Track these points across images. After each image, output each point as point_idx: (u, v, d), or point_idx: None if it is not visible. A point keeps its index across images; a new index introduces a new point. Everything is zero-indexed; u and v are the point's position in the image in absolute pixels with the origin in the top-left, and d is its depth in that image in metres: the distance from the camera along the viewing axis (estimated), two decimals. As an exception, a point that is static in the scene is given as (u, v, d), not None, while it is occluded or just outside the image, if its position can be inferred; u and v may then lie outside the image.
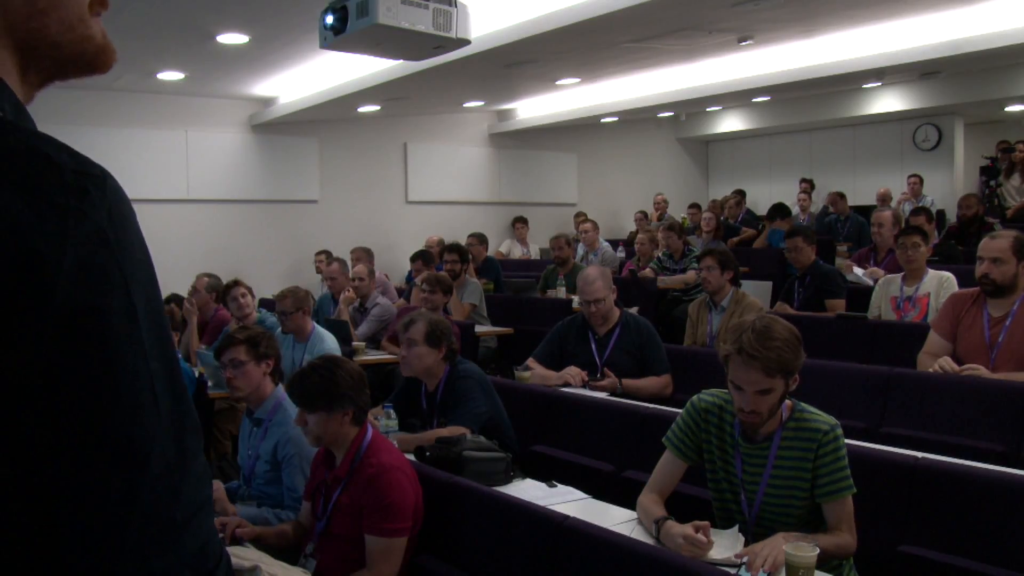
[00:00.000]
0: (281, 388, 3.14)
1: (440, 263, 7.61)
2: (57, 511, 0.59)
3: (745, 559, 2.12)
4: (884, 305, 4.94)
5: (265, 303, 6.38)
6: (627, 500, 2.67)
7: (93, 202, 0.62)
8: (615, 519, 2.53)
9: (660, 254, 7.54)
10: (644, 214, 10.72)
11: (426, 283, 5.55)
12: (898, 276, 4.97)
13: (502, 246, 10.83)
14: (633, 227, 10.68)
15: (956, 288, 4.70)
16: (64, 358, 0.59)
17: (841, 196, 9.54)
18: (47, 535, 0.59)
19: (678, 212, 10.94)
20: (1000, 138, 10.24)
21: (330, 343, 4.87)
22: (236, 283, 5.39)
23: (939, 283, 4.77)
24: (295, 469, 2.98)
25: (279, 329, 5.02)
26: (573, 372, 4.11)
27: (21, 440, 0.58)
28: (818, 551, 2.02)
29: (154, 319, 0.65)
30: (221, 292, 5.74)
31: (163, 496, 0.63)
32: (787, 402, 2.36)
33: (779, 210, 8.96)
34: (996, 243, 3.66)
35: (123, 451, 0.61)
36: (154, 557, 0.62)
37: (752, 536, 2.35)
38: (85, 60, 0.75)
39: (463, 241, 8.46)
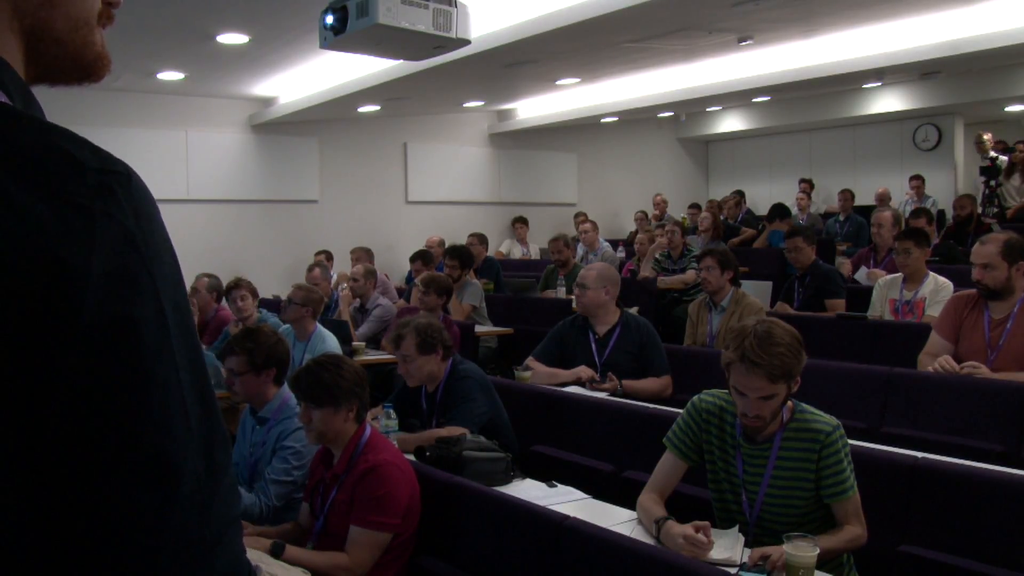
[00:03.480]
0: (286, 388, 3.15)
1: (441, 264, 7.61)
2: (87, 535, 0.56)
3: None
4: (884, 307, 4.93)
5: (264, 303, 6.38)
6: (627, 500, 2.67)
7: (119, 203, 0.58)
8: (615, 519, 2.52)
9: (658, 254, 7.53)
10: (644, 214, 10.71)
11: (422, 283, 5.56)
12: (899, 277, 4.96)
13: (502, 246, 10.83)
14: (633, 227, 10.67)
15: (951, 292, 4.69)
16: (94, 373, 0.55)
17: (851, 196, 9.56)
18: (76, 561, 0.56)
19: (678, 212, 10.94)
20: (999, 138, 10.24)
21: (331, 343, 4.88)
22: (237, 284, 5.39)
23: (935, 288, 4.74)
24: (282, 459, 3.03)
25: (281, 327, 5.05)
26: (587, 371, 4.13)
27: (48, 460, 0.55)
28: (818, 551, 2.02)
29: (182, 326, 0.61)
30: (222, 291, 5.74)
31: (194, 515, 0.59)
32: (788, 403, 2.37)
33: (779, 211, 8.96)
34: (985, 248, 3.64)
35: (155, 469, 0.58)
36: None
37: (752, 536, 2.36)
38: (82, 64, 0.72)
39: (463, 241, 8.46)
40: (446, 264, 6.74)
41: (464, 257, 6.74)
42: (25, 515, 0.55)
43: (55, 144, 0.58)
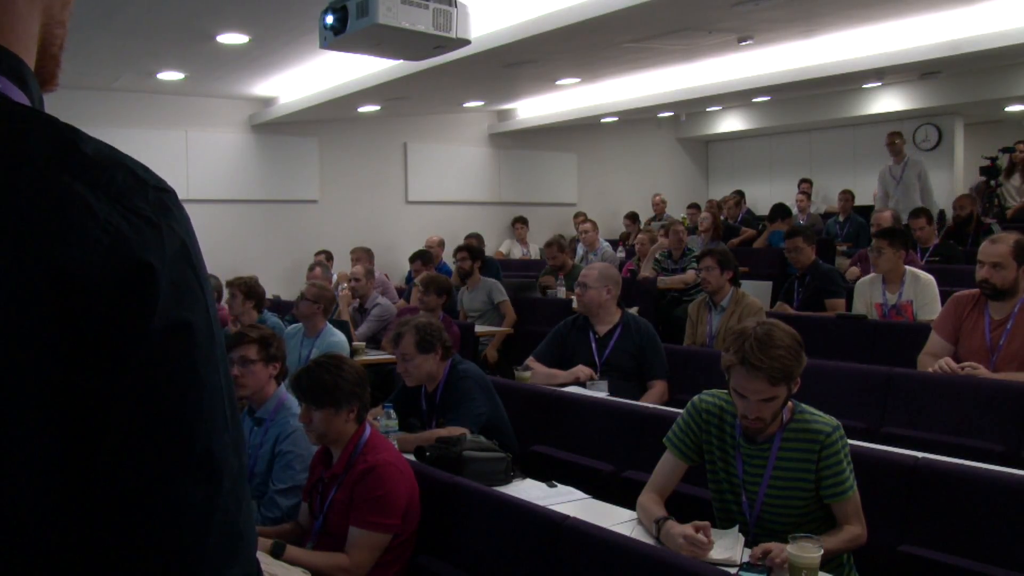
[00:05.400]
0: (283, 388, 3.15)
1: (443, 264, 7.63)
2: (143, 525, 0.60)
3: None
4: (871, 310, 4.90)
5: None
6: (627, 500, 2.67)
7: (176, 218, 0.63)
8: (615, 519, 2.52)
9: (658, 254, 7.53)
10: (634, 217, 10.58)
11: (421, 284, 5.57)
12: (878, 278, 4.93)
13: (502, 246, 10.83)
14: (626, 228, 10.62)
15: (935, 289, 4.68)
16: (159, 372, 0.60)
17: (851, 196, 9.54)
18: (131, 550, 0.60)
19: (678, 212, 10.92)
20: (1000, 138, 10.24)
21: (339, 340, 4.94)
22: (228, 284, 5.40)
23: (918, 288, 4.72)
24: (286, 465, 3.00)
25: (287, 328, 5.11)
26: (584, 370, 4.12)
27: (111, 453, 0.59)
28: (822, 552, 2.02)
29: (219, 335, 0.66)
30: (222, 292, 5.75)
31: (232, 508, 0.65)
32: (788, 403, 2.37)
33: (780, 211, 8.95)
34: (996, 248, 3.62)
35: (204, 465, 0.63)
36: (226, 568, 0.64)
37: (753, 536, 2.36)
38: (50, 80, 0.76)
39: (462, 241, 8.47)
40: (456, 256, 6.79)
41: (472, 249, 6.85)
42: (87, 505, 0.59)
43: (118, 159, 0.62)
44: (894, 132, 8.58)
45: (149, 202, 0.61)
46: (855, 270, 6.30)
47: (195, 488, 0.62)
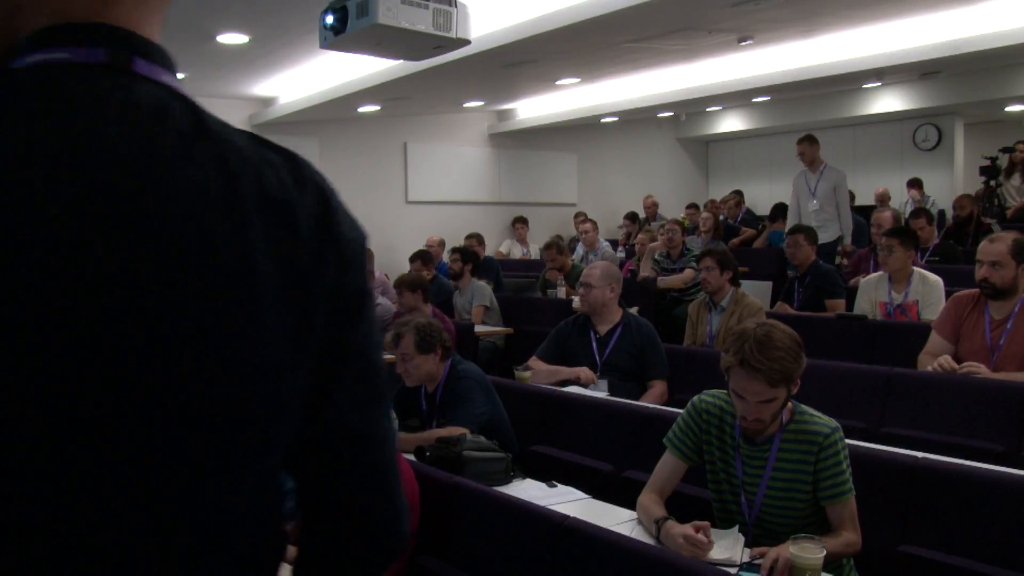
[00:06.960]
0: None
1: (443, 264, 7.63)
2: (373, 458, 0.76)
3: (757, 560, 2.12)
4: (874, 310, 4.90)
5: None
6: (627, 500, 2.67)
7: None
8: (615, 519, 2.52)
9: (657, 255, 7.52)
10: (633, 217, 10.56)
11: (394, 286, 5.58)
12: (884, 276, 4.93)
13: (502, 246, 10.83)
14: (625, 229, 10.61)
15: (942, 291, 4.67)
16: (372, 325, 0.76)
17: (851, 196, 9.52)
18: (362, 471, 0.76)
19: (675, 213, 10.90)
20: (1000, 138, 10.24)
21: None
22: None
23: (925, 288, 4.72)
24: None
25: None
26: (587, 373, 4.12)
27: (340, 391, 0.73)
28: (824, 552, 2.02)
29: None
30: None
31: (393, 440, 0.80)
32: (788, 404, 2.36)
33: (781, 211, 8.95)
34: (995, 247, 3.62)
35: (387, 404, 0.79)
36: (399, 495, 0.80)
37: (752, 537, 2.36)
38: None
39: (462, 242, 8.48)
40: (450, 258, 6.82)
41: (465, 251, 6.87)
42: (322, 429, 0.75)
43: (275, 145, 0.81)
44: (804, 138, 7.26)
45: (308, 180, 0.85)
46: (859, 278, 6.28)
47: (390, 424, 0.78)
